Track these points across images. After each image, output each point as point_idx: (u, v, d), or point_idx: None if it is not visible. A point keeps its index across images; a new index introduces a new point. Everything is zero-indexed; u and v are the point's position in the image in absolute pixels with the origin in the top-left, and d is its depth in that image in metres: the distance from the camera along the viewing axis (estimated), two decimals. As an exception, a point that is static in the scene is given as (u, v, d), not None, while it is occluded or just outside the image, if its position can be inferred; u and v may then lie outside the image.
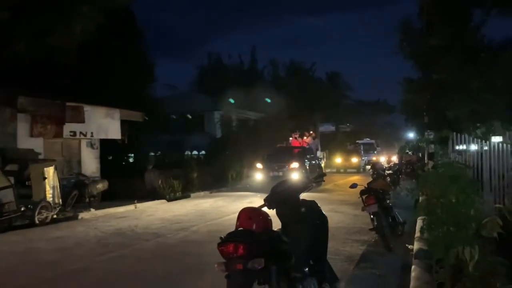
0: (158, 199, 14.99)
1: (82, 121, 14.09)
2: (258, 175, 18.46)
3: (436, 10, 15.54)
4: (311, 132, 26.14)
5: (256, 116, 31.57)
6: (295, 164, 18.01)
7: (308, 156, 20.16)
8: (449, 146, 10.59)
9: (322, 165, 28.61)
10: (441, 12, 15.96)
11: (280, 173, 17.33)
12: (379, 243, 7.41)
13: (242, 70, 39.97)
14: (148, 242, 8.25)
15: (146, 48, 21.47)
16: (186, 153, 25.08)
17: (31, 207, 10.33)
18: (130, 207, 13.39)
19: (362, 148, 36.16)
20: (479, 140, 10.65)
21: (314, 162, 20.58)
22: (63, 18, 12.56)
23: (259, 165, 18.73)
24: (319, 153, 32.56)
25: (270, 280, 3.41)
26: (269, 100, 28.41)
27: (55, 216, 11.01)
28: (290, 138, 24.25)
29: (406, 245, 7.09)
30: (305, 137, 24.65)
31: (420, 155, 21.17)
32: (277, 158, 18.83)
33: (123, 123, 16.09)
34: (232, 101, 28.10)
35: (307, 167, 18.62)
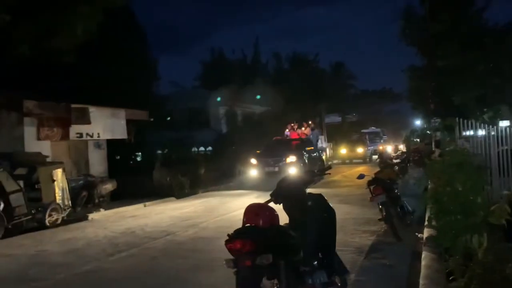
0: (166, 196, 15.04)
1: (88, 122, 14.16)
2: (253, 171, 17.14)
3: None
4: (310, 122, 23.81)
5: (261, 110, 31.52)
6: (292, 158, 16.72)
7: (307, 149, 18.68)
8: (456, 133, 10.53)
9: (325, 157, 28.06)
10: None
11: (276, 169, 16.27)
12: (388, 233, 7.40)
13: (245, 64, 39.88)
14: (157, 240, 8.29)
15: (148, 45, 21.52)
16: (192, 149, 25.10)
17: (41, 209, 10.42)
18: (139, 206, 13.46)
19: (367, 138, 35.45)
20: (487, 125, 10.56)
21: (314, 154, 19.11)
22: (64, 19, 12.59)
23: (253, 161, 17.35)
24: (322, 145, 32.16)
25: (279, 275, 3.42)
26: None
27: (65, 218, 11.09)
28: (287, 130, 22.04)
29: (416, 233, 7.08)
30: (303, 128, 22.49)
31: (428, 142, 21.06)
32: (272, 152, 17.47)
33: (129, 122, 16.15)
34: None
35: (306, 161, 17.33)
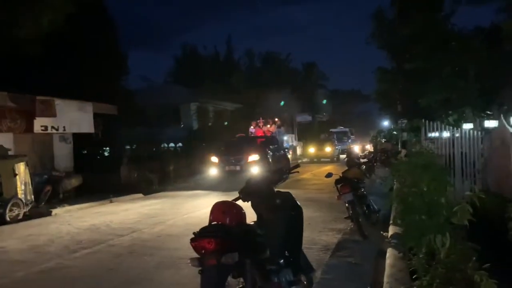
0: (134, 193, 14.78)
1: (53, 115, 13.73)
2: (213, 170, 16.46)
3: (407, 0, 15.78)
4: (276, 119, 23.31)
5: (232, 107, 31.45)
6: (254, 156, 16.03)
7: (271, 147, 17.91)
8: (421, 134, 10.78)
9: (292, 155, 27.99)
10: (412, 2, 16.19)
11: (238, 167, 15.76)
12: (354, 231, 7.50)
13: (218, 61, 39.73)
14: (123, 237, 8.13)
15: (118, 39, 21.07)
16: (162, 145, 24.78)
17: (2, 204, 10.06)
18: (105, 202, 13.18)
19: (335, 137, 35.83)
20: (451, 127, 10.87)
21: (278, 153, 18.35)
22: (30, 9, 12.16)
23: (214, 159, 16.59)
24: (292, 143, 32.25)
25: (244, 274, 3.40)
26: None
27: (27, 213, 10.75)
28: (251, 127, 21.44)
29: (381, 232, 7.20)
30: (268, 125, 21.89)
31: (395, 142, 21.50)
32: (235, 150, 16.71)
33: (97, 116, 15.78)
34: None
35: (270, 159, 16.55)
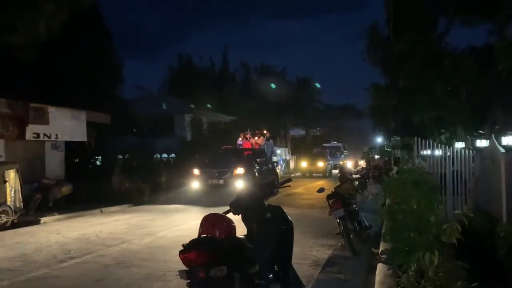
0: (125, 203, 14.69)
1: (46, 122, 13.67)
2: (195, 183, 15.62)
3: (402, 17, 15.98)
4: (265, 131, 22.23)
5: (227, 119, 31.49)
6: (239, 170, 15.23)
7: (258, 160, 17.09)
8: (414, 151, 10.85)
9: (283, 169, 27.55)
10: (407, 20, 16.40)
11: (221, 181, 15.03)
12: (345, 247, 7.48)
13: (213, 73, 39.82)
14: (112, 248, 8.05)
15: (113, 47, 21.11)
16: (155, 156, 24.67)
17: (-10, 211, 9.96)
18: (96, 212, 13.08)
19: (328, 152, 35.70)
20: (443, 145, 10.94)
21: (266, 167, 17.54)
22: (25, 15, 12.15)
23: (196, 171, 15.77)
24: (282, 157, 32.16)
25: (233, 288, 3.38)
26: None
27: (15, 221, 10.62)
28: (239, 139, 20.66)
29: (372, 249, 7.19)
30: (256, 137, 20.91)
31: (387, 159, 21.54)
32: (220, 162, 15.94)
33: (90, 124, 15.72)
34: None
35: (257, 173, 15.81)
